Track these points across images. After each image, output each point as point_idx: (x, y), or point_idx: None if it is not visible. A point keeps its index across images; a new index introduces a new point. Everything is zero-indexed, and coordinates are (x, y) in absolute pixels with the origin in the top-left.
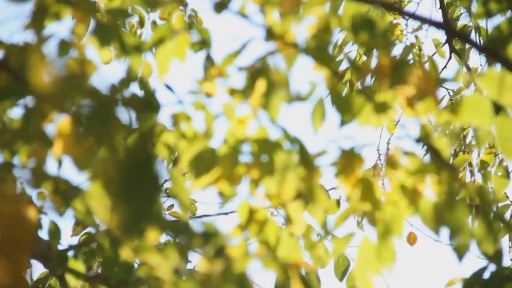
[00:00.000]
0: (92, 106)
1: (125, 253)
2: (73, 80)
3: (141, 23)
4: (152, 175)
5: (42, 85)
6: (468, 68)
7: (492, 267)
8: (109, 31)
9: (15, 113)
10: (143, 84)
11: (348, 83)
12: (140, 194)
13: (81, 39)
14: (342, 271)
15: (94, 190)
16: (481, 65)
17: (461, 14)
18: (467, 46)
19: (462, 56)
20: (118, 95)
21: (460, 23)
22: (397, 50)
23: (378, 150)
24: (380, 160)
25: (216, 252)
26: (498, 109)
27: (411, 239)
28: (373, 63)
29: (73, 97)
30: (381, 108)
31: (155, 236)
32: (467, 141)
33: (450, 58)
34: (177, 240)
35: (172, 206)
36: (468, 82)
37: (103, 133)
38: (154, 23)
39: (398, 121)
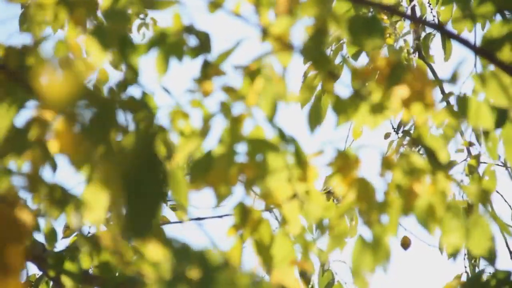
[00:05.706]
0: (93, 109)
1: (120, 263)
2: (74, 81)
3: None
4: (157, 178)
5: (43, 87)
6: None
7: (489, 270)
8: (109, 34)
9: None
10: (125, 85)
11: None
12: (145, 197)
13: (76, 41)
14: (326, 285)
15: (91, 192)
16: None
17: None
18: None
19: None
20: (117, 97)
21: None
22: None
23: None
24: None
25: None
26: (502, 114)
27: (405, 243)
28: (364, 64)
29: (74, 99)
30: (377, 109)
31: (154, 251)
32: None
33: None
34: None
35: None
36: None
37: (103, 136)
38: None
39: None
